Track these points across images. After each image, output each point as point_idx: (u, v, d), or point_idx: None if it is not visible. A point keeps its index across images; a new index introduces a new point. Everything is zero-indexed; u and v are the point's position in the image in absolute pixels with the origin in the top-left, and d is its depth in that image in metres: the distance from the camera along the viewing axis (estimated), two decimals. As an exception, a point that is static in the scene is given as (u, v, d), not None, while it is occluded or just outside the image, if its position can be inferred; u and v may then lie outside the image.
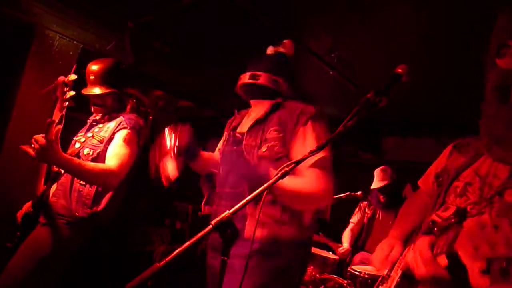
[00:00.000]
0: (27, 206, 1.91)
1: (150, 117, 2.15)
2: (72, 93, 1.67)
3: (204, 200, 1.77)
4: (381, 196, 3.49)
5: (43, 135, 1.57)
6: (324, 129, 1.51)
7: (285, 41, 1.74)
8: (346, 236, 3.69)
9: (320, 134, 1.48)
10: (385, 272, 1.07)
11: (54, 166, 1.90)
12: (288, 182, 1.17)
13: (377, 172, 3.59)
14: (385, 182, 3.46)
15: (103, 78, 1.99)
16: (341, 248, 3.52)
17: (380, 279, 1.22)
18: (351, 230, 3.72)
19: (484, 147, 1.01)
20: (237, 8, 2.44)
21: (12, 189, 2.37)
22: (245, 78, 1.66)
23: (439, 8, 2.15)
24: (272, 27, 2.61)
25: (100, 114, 2.04)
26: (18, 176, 1.87)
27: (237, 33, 2.88)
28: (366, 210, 3.69)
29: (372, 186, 3.56)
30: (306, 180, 1.39)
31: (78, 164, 1.72)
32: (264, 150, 1.50)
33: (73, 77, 1.67)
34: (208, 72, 3.75)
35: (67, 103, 1.66)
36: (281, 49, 1.74)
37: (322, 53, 2.97)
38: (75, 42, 2.99)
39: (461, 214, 0.85)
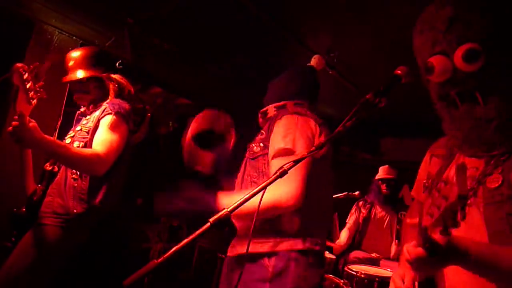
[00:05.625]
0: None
1: (149, 115, 2.12)
2: (41, 83, 1.58)
3: None
4: (384, 188, 3.62)
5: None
6: (295, 121, 1.45)
7: (315, 55, 1.77)
8: (344, 234, 3.75)
9: (287, 126, 1.44)
10: None
11: (47, 164, 1.86)
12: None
13: (383, 167, 3.74)
14: (391, 176, 3.63)
15: (83, 63, 1.95)
16: (337, 242, 3.62)
17: None
18: (349, 229, 3.78)
19: (455, 146, 1.06)
20: (238, 6, 2.44)
21: (10, 186, 2.35)
22: (259, 118, 1.69)
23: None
24: (273, 26, 2.61)
25: (86, 106, 2.00)
26: (16, 173, 1.86)
27: (237, 31, 2.87)
28: (362, 209, 3.74)
29: (377, 177, 3.71)
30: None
31: (62, 146, 1.65)
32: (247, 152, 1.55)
33: (35, 64, 1.57)
34: (207, 70, 3.75)
35: (38, 94, 1.56)
36: (310, 63, 1.76)
37: (322, 53, 2.97)
38: (74, 37, 2.98)
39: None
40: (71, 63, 1.96)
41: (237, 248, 1.43)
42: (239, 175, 1.60)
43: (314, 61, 1.77)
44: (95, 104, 1.98)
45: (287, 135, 1.41)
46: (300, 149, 1.37)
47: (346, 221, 3.85)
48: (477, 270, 0.84)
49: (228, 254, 1.46)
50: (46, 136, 1.60)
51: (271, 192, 1.09)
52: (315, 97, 1.74)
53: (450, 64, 0.93)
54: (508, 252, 0.82)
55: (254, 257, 1.39)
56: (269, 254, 1.37)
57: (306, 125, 1.46)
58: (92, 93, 1.98)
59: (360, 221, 3.72)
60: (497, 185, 0.90)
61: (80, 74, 1.93)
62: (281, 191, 1.29)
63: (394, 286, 1.09)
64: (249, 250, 1.34)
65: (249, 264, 1.39)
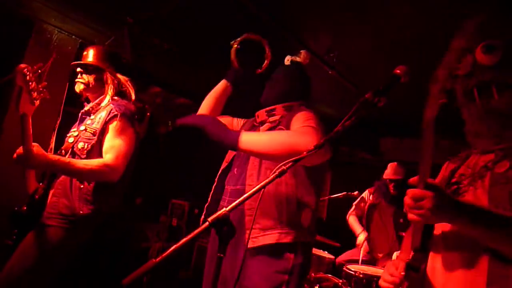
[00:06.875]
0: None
1: (148, 114, 2.12)
2: (44, 83, 1.60)
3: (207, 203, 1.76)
4: (392, 188, 3.52)
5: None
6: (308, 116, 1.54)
7: (302, 51, 1.86)
8: (355, 224, 3.62)
9: (306, 116, 1.52)
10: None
11: None
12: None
13: (392, 165, 3.60)
14: (400, 176, 3.50)
15: (96, 55, 2.03)
16: (359, 240, 3.45)
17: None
18: (356, 215, 3.68)
19: (472, 149, 1.14)
20: (238, 6, 2.44)
21: (10, 185, 2.34)
22: (263, 115, 1.73)
23: (438, 7, 2.15)
24: (273, 26, 2.61)
25: (89, 106, 2.00)
26: (17, 171, 1.86)
27: (237, 31, 2.87)
28: (370, 196, 3.65)
29: (385, 176, 3.57)
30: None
31: (67, 163, 1.67)
32: None
33: (39, 64, 1.59)
34: (207, 70, 3.75)
35: (41, 94, 1.58)
36: (297, 59, 1.83)
37: (321, 53, 2.97)
38: (73, 36, 2.98)
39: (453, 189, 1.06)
40: (85, 53, 2.05)
41: (260, 239, 1.46)
42: (252, 167, 1.58)
43: (302, 57, 1.85)
44: (99, 104, 1.97)
45: (308, 121, 1.49)
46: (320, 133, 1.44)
47: (353, 203, 3.74)
48: (467, 223, 0.92)
49: (249, 246, 1.46)
50: (50, 156, 1.64)
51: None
52: (310, 94, 1.86)
53: (471, 58, 1.02)
54: (500, 215, 0.90)
55: (279, 249, 1.46)
56: (290, 246, 1.47)
57: (319, 120, 1.54)
58: (90, 84, 1.99)
59: (366, 209, 3.61)
60: (504, 169, 0.97)
61: (88, 59, 2.01)
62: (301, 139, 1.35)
63: (387, 271, 1.11)
64: (275, 240, 1.45)
65: (271, 256, 1.45)
